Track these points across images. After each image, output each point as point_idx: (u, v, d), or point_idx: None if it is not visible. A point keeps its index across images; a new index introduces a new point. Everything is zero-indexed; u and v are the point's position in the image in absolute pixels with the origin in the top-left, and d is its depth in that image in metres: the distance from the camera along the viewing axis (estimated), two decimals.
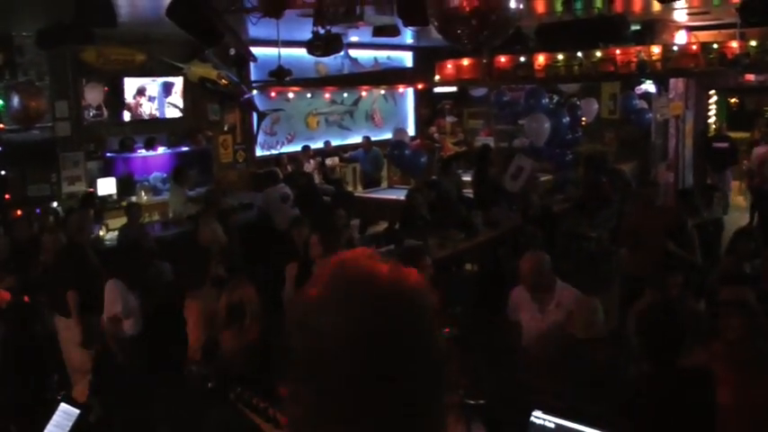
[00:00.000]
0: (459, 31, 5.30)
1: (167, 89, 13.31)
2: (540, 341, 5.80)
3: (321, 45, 8.58)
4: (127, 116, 12.77)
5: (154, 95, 13.07)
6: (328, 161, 16.26)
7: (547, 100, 13.93)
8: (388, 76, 17.42)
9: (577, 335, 5.47)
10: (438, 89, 17.95)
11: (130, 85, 12.67)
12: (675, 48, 12.24)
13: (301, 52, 9.96)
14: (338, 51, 9.25)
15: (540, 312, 5.92)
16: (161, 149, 13.33)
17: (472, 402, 2.33)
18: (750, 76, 15.39)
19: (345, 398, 1.23)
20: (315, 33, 8.56)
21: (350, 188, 15.86)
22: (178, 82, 13.34)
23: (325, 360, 1.25)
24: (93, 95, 12.23)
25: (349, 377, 1.23)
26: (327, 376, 1.25)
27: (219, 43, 8.14)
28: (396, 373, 1.23)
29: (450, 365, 1.34)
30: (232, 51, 12.90)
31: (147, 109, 13.01)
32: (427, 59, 15.45)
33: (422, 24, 7.26)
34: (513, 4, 5.24)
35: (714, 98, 17.72)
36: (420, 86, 17.62)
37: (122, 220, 10.65)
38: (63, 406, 3.67)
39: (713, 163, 15.27)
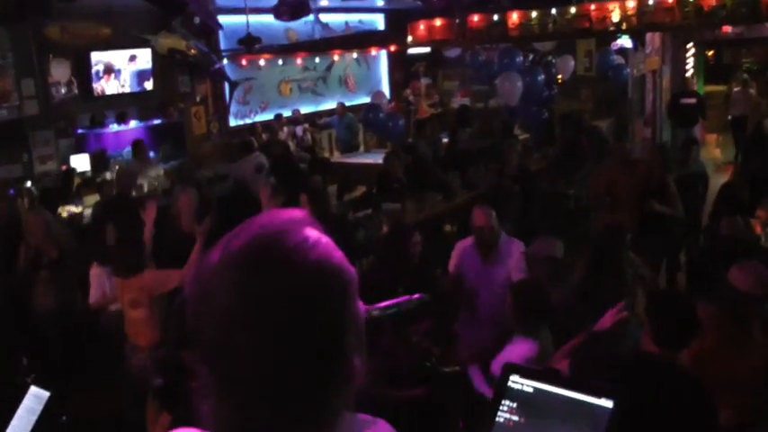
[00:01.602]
0: None
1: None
2: (490, 297, 5.65)
3: (287, 9, 8.42)
4: (96, 91, 12.50)
5: (122, 69, 12.80)
6: (299, 128, 16.09)
7: (521, 58, 13.83)
8: (360, 40, 17.22)
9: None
10: (411, 51, 17.76)
11: (98, 59, 12.40)
12: (651, 2, 12.14)
13: (270, 19, 9.80)
14: (305, 15, 9.09)
15: (485, 268, 5.83)
16: (133, 123, 13.11)
17: (447, 370, 2.25)
18: (727, 28, 15.31)
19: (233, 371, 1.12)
20: None
21: (326, 154, 15.74)
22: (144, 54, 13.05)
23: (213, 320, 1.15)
24: (60, 72, 11.94)
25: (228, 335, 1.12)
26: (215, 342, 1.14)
27: (182, 13, 7.97)
28: (286, 345, 1.10)
29: (360, 356, 1.19)
30: (197, 20, 12.66)
31: (116, 84, 12.76)
32: (399, 21, 15.27)
33: None
34: None
35: (691, 51, 17.66)
36: (393, 49, 17.42)
37: (97, 197, 10.55)
38: (33, 389, 3.58)
39: (680, 119, 14.99)
